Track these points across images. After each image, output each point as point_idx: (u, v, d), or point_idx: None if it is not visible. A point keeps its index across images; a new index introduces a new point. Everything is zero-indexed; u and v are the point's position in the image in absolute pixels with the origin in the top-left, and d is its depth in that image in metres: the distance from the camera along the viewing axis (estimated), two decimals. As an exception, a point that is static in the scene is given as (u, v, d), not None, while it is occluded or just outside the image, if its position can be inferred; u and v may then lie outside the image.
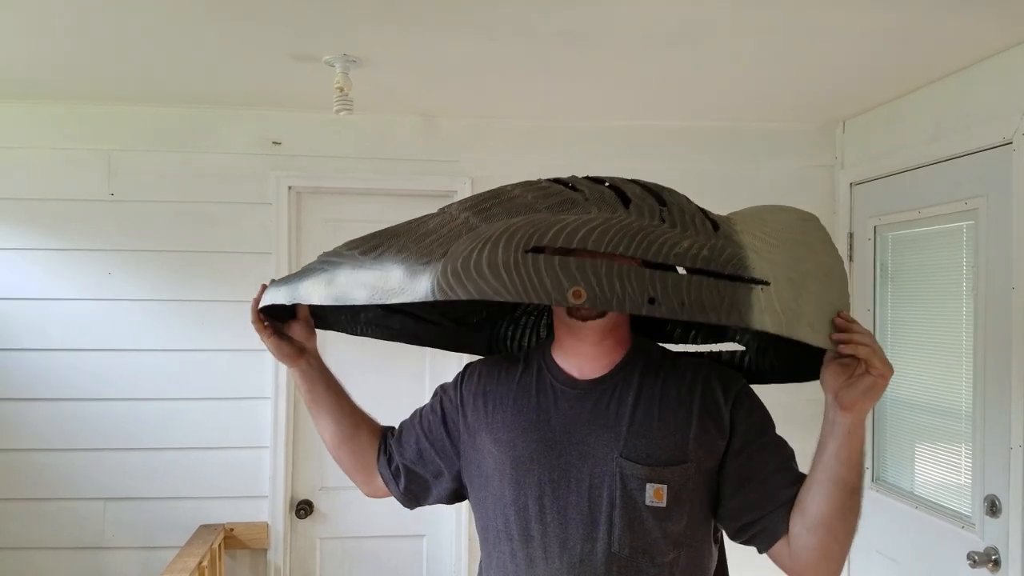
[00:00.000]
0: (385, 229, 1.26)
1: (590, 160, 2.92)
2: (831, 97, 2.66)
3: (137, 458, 2.76)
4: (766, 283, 1.10)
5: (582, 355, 1.33)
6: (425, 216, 1.27)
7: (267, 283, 1.39)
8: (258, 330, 1.41)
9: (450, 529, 2.91)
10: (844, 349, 1.13)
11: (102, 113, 2.77)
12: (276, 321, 1.44)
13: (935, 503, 2.45)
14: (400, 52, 2.20)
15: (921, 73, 2.39)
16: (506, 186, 1.26)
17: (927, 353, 2.50)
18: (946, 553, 2.34)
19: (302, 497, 2.89)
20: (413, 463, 1.46)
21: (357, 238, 1.27)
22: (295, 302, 1.30)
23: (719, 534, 1.36)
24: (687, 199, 1.23)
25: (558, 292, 1.04)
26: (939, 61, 2.28)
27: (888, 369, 1.12)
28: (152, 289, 2.77)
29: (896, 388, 2.64)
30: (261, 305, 1.38)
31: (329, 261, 1.27)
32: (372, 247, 1.22)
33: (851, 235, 2.88)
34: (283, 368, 2.57)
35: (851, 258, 2.87)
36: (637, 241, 1.09)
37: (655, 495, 1.24)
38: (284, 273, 2.80)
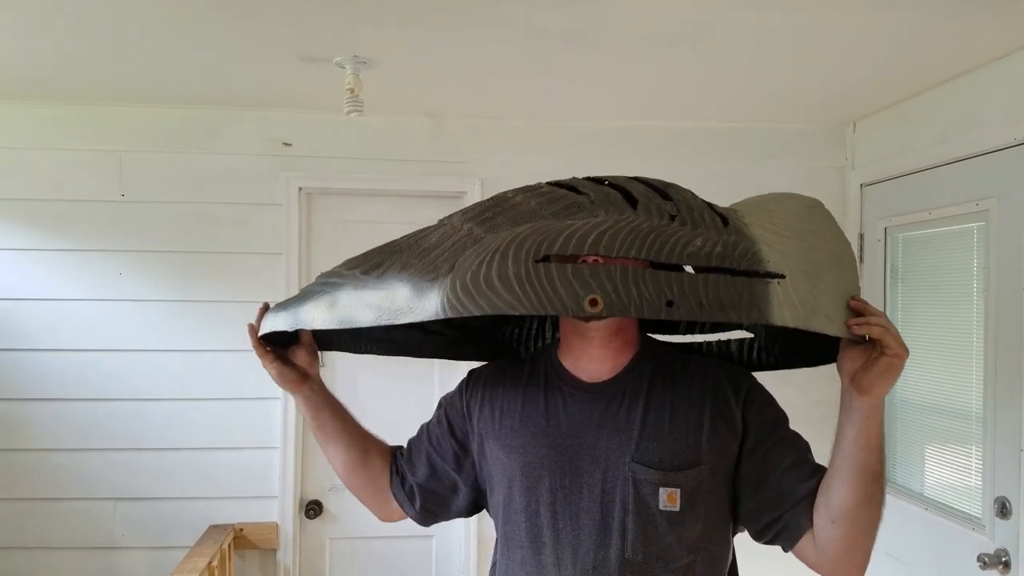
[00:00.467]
0: (385, 245, 1.23)
1: (598, 160, 2.92)
2: (841, 98, 2.66)
3: (147, 458, 2.77)
4: (782, 276, 1.09)
5: (590, 358, 1.32)
6: (426, 229, 1.23)
7: (266, 303, 1.36)
8: (260, 355, 1.36)
9: (460, 530, 2.91)
10: (858, 330, 1.12)
11: (113, 114, 2.78)
12: (278, 347, 1.39)
13: (945, 505, 2.44)
14: (410, 53, 2.20)
15: (932, 74, 2.38)
16: (507, 193, 1.22)
17: (938, 354, 2.49)
18: (956, 555, 2.33)
19: (311, 497, 2.89)
20: (427, 480, 1.43)
21: (357, 256, 1.24)
22: (298, 328, 1.27)
23: (732, 537, 1.34)
24: (692, 194, 1.21)
25: (574, 302, 1.02)
26: (950, 62, 2.27)
27: (903, 349, 1.11)
28: (162, 290, 2.78)
29: (906, 389, 2.63)
30: (262, 332, 1.33)
31: (329, 283, 1.23)
32: (374, 265, 1.19)
33: (861, 236, 2.87)
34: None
35: (861, 259, 2.86)
36: (649, 242, 1.07)
37: (668, 499, 1.22)
38: (294, 274, 2.82)
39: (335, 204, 2.93)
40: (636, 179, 1.22)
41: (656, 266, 1.08)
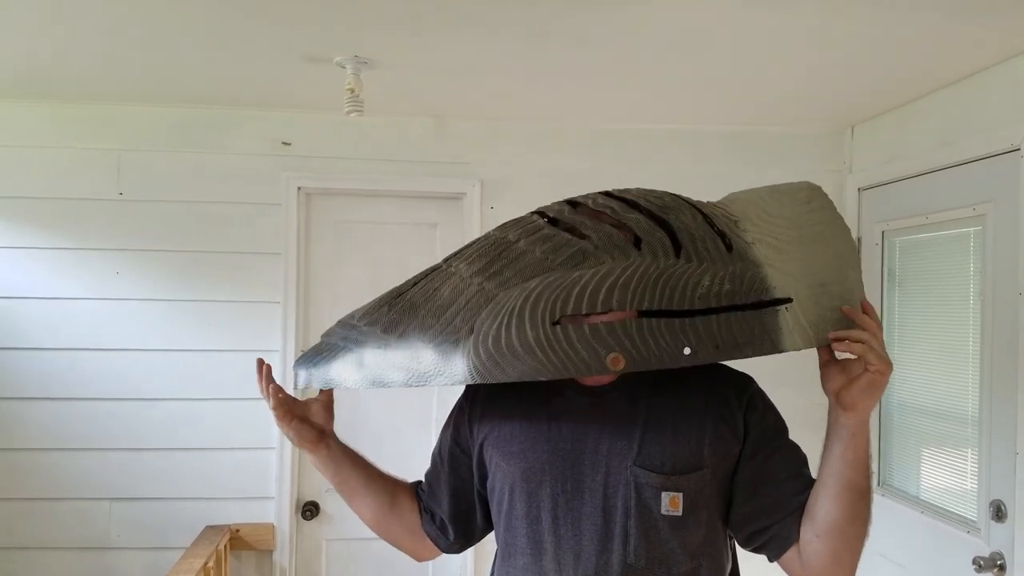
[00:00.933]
0: (397, 296, 1.24)
1: (599, 163, 2.93)
2: (840, 102, 2.67)
3: (143, 458, 2.76)
4: (789, 300, 1.12)
5: None
6: (432, 275, 1.24)
7: (263, 362, 1.35)
8: (279, 418, 1.33)
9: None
10: (838, 347, 1.14)
11: (112, 113, 2.78)
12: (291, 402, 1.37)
13: (941, 508, 2.45)
14: (410, 54, 2.21)
15: (930, 79, 2.40)
16: (507, 236, 1.21)
17: (934, 358, 2.50)
18: (951, 558, 2.34)
19: (308, 498, 2.89)
20: (453, 508, 1.41)
21: (371, 307, 1.25)
22: (330, 387, 1.28)
23: (733, 541, 1.34)
24: (692, 212, 1.19)
25: (597, 363, 1.07)
26: (947, 67, 2.28)
27: (886, 365, 1.11)
28: (160, 289, 2.78)
29: (902, 392, 2.64)
30: (301, 385, 1.31)
31: (351, 338, 1.25)
32: (392, 323, 1.20)
33: (859, 240, 2.89)
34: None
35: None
36: (660, 291, 1.10)
37: (671, 504, 1.21)
38: (292, 274, 2.81)
39: (335, 204, 2.93)
40: (634, 205, 1.20)
41: (673, 315, 1.10)
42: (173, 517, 2.76)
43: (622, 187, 1.28)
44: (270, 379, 1.35)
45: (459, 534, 1.43)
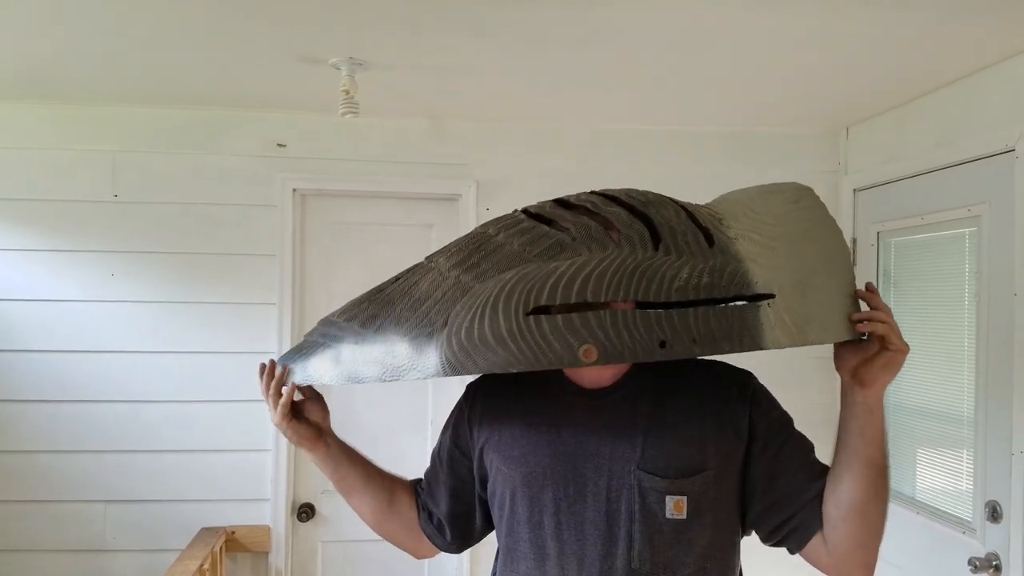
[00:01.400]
0: (377, 292, 1.24)
1: (594, 164, 2.93)
2: (835, 103, 2.67)
3: (138, 460, 2.75)
4: (771, 296, 1.10)
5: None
6: (413, 271, 1.23)
7: (271, 361, 1.34)
8: (281, 417, 1.32)
9: (452, 532, 2.91)
10: (861, 328, 1.15)
11: (106, 114, 2.77)
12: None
13: (937, 508, 2.46)
14: (406, 55, 2.20)
15: (925, 80, 2.40)
16: (488, 230, 1.19)
17: (929, 359, 2.50)
18: (947, 559, 2.34)
19: (304, 500, 2.88)
20: (451, 508, 1.41)
21: (352, 304, 1.25)
22: (308, 383, 1.28)
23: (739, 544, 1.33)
24: (675, 209, 1.17)
25: (569, 354, 1.04)
26: (942, 69, 2.29)
27: (905, 345, 1.14)
28: (155, 291, 2.77)
29: (898, 393, 2.65)
30: (298, 381, 1.29)
31: (329, 334, 1.25)
32: (370, 317, 1.20)
33: (854, 241, 2.89)
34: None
35: (854, 264, 2.88)
36: (636, 282, 1.08)
37: (675, 507, 1.20)
38: (288, 276, 2.81)
39: (330, 206, 2.92)
40: (614, 199, 1.18)
41: (649, 307, 1.08)
42: (168, 519, 2.75)
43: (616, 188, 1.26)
44: (272, 377, 1.33)
45: (456, 535, 1.42)
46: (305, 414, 1.37)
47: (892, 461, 2.66)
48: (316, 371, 1.25)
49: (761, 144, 2.99)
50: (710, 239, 1.14)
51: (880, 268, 2.77)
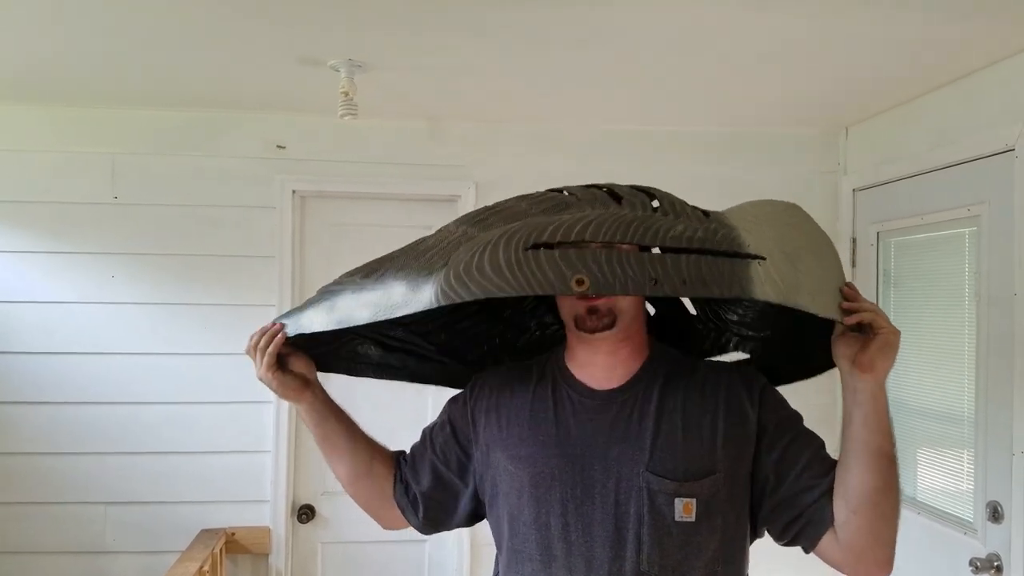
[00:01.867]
0: (384, 255, 1.26)
1: (594, 165, 2.92)
2: (834, 103, 2.67)
3: (138, 462, 2.75)
4: (762, 257, 1.12)
5: (596, 365, 1.29)
6: (423, 237, 1.27)
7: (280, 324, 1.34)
8: (266, 367, 1.31)
9: (453, 535, 2.90)
10: (850, 320, 1.15)
11: (106, 116, 2.77)
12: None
13: (937, 509, 2.45)
14: (405, 56, 2.20)
15: (924, 80, 2.40)
16: (500, 200, 1.26)
17: (929, 359, 2.50)
18: (948, 559, 2.34)
19: (304, 501, 2.88)
20: (431, 489, 1.40)
21: (356, 267, 1.26)
22: (299, 332, 1.28)
23: (749, 547, 1.32)
24: (676, 196, 1.24)
25: (560, 281, 1.04)
26: (942, 68, 2.29)
27: (895, 328, 1.15)
28: (155, 293, 2.77)
29: (898, 393, 2.64)
30: (292, 333, 1.29)
31: (329, 290, 1.26)
32: (371, 270, 1.22)
33: (854, 241, 2.89)
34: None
35: (854, 264, 2.88)
36: (633, 228, 1.10)
37: (684, 510, 1.19)
38: (287, 278, 2.81)
39: (329, 207, 2.92)
40: (621, 185, 1.26)
41: (643, 250, 1.11)
42: (168, 521, 2.75)
43: None
44: (263, 333, 1.33)
45: (428, 516, 1.41)
46: (290, 366, 1.36)
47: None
48: (308, 320, 1.26)
49: (760, 145, 2.99)
50: (706, 214, 1.20)
51: (880, 268, 2.77)
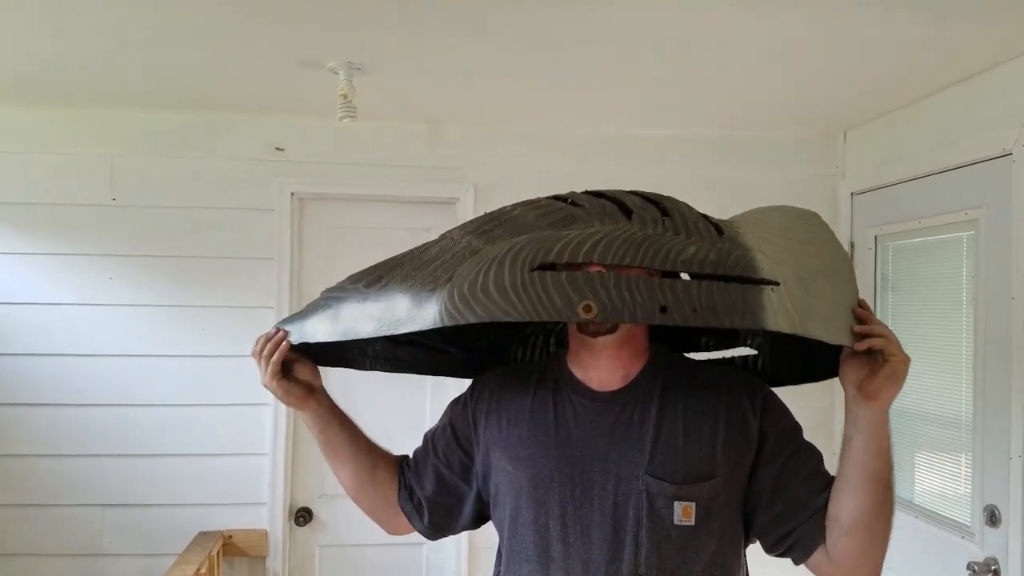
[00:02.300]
0: (387, 260, 1.24)
1: (593, 168, 2.93)
2: (833, 107, 2.67)
3: (136, 464, 2.75)
4: (776, 283, 1.10)
5: (599, 368, 1.29)
6: (427, 243, 1.25)
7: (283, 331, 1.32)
8: (271, 375, 1.29)
9: (451, 538, 2.89)
10: (860, 346, 1.13)
11: (104, 117, 2.77)
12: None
13: (935, 513, 2.45)
14: (405, 57, 2.20)
15: (922, 84, 2.40)
16: (506, 207, 1.23)
17: (927, 362, 2.50)
18: (946, 563, 2.33)
19: (301, 504, 2.88)
20: (435, 493, 1.39)
21: (360, 271, 1.25)
22: (302, 341, 1.27)
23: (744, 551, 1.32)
24: (688, 206, 1.22)
25: (568, 307, 1.03)
26: (940, 72, 2.29)
27: (906, 356, 1.13)
28: (153, 295, 2.77)
29: (897, 397, 2.64)
30: (296, 341, 1.28)
31: (333, 296, 1.25)
32: (375, 279, 1.21)
33: (852, 245, 2.89)
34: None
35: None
36: (643, 250, 1.08)
37: (683, 513, 1.19)
38: (285, 280, 2.81)
39: (328, 210, 2.92)
40: (633, 192, 1.22)
41: (651, 274, 1.09)
42: (166, 523, 2.75)
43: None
44: (268, 339, 1.31)
45: (433, 520, 1.41)
46: (295, 373, 1.35)
47: (890, 465, 2.66)
48: (312, 328, 1.25)
49: (759, 148, 2.99)
50: (720, 230, 1.17)
51: (878, 272, 2.77)
